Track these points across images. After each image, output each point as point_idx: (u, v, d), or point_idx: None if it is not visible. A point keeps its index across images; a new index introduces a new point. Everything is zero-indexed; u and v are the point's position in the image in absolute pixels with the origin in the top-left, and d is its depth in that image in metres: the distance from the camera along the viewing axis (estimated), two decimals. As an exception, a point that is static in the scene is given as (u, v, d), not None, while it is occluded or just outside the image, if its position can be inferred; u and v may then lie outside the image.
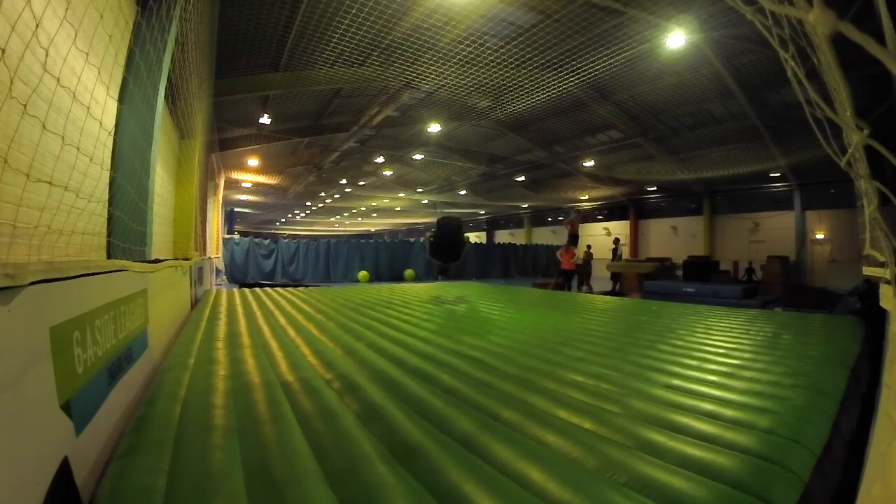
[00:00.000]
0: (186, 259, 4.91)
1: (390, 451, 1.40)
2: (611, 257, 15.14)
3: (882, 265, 1.88)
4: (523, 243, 22.58)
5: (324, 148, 13.60)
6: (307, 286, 9.78)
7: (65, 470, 1.09)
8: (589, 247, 13.62)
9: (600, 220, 22.52)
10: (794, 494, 1.14)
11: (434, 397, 1.91)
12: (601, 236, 21.12)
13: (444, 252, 6.69)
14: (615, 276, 13.40)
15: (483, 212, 28.44)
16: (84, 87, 2.40)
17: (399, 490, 1.17)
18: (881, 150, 0.79)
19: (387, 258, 16.41)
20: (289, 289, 8.06)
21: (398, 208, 26.71)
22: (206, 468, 1.25)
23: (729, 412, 1.69)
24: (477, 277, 16.12)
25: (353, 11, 6.33)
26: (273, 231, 36.44)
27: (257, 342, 3.08)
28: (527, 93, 9.46)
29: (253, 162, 14.16)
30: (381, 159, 15.13)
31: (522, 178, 17.55)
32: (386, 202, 24.19)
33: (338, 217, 32.15)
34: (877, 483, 0.91)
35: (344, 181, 18.40)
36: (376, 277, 15.67)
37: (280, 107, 10.21)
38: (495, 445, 1.42)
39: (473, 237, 30.57)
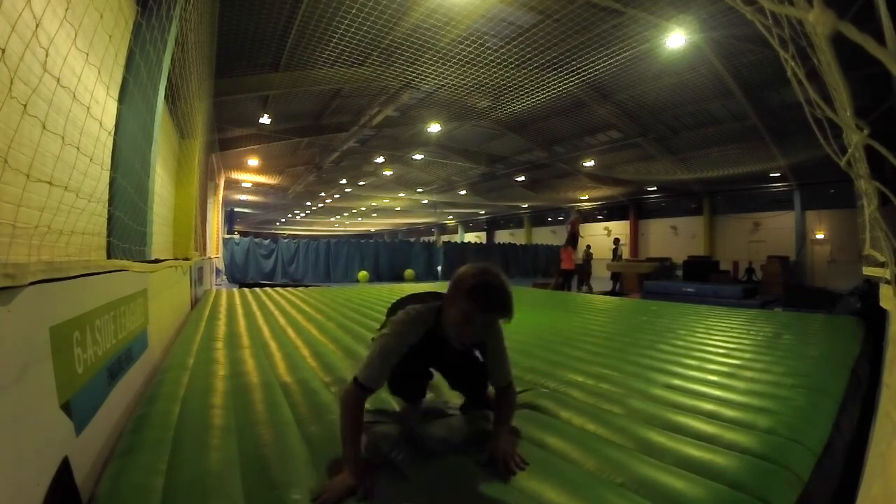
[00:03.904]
0: (186, 259, 4.91)
1: (388, 454, 1.39)
2: (611, 257, 15.13)
3: (882, 265, 1.88)
4: (523, 243, 22.56)
5: (324, 148, 13.60)
6: (307, 286, 9.78)
7: (65, 470, 1.09)
8: (589, 247, 13.61)
9: (600, 220, 22.52)
10: (793, 495, 1.14)
11: (433, 399, 1.91)
12: (601, 236, 21.11)
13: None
14: (615, 276, 13.39)
15: (483, 212, 28.44)
16: (84, 87, 2.40)
17: (396, 493, 1.16)
18: (881, 150, 0.79)
19: (387, 258, 16.42)
20: (289, 289, 8.06)
21: (398, 208, 26.70)
22: (204, 468, 1.25)
23: (729, 412, 1.69)
24: (477, 277, 16.11)
25: (353, 11, 6.33)
26: (273, 231, 36.44)
27: (257, 343, 3.08)
28: (527, 93, 9.46)
29: (253, 162, 14.16)
30: (381, 159, 15.13)
31: (522, 178, 17.55)
32: (386, 202, 24.19)
33: (338, 217, 32.15)
34: (876, 483, 0.91)
35: (344, 181, 18.40)
36: (376, 277, 15.68)
37: (280, 107, 10.21)
38: (495, 446, 1.42)
39: (473, 237, 30.56)
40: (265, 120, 10.26)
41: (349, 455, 1.22)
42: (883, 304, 1.93)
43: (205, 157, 8.43)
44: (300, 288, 8.48)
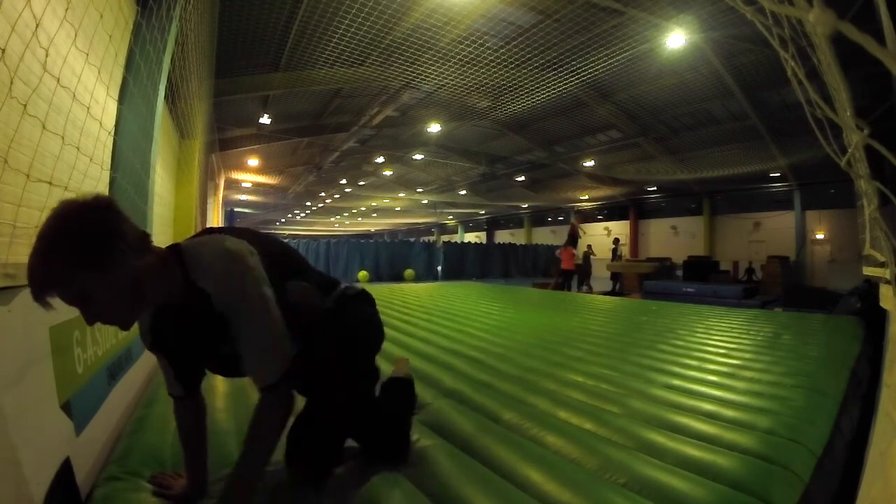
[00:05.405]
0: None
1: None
2: (610, 257, 15.12)
3: (882, 265, 1.88)
4: (523, 243, 22.54)
5: (324, 148, 13.60)
6: (307, 286, 9.75)
7: (65, 470, 1.09)
8: (589, 247, 13.61)
9: (600, 220, 22.52)
10: (795, 495, 1.14)
11: (434, 399, 1.91)
12: (601, 236, 21.11)
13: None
14: (615, 276, 13.38)
15: (483, 212, 28.43)
16: (84, 87, 2.40)
17: (396, 494, 1.16)
18: (881, 150, 0.79)
19: (387, 258, 16.40)
20: (289, 289, 8.03)
21: (398, 208, 26.70)
22: (206, 468, 1.25)
23: (729, 412, 1.69)
24: (477, 277, 16.13)
25: (353, 11, 6.33)
26: (273, 231, 36.41)
27: (257, 342, 3.07)
28: (527, 93, 9.46)
29: (253, 162, 14.16)
30: (381, 159, 15.14)
31: (522, 178, 17.56)
32: (386, 202, 24.18)
33: (338, 217, 32.14)
34: (876, 483, 0.91)
35: (344, 181, 18.41)
36: (376, 277, 15.66)
37: (280, 107, 10.22)
38: (495, 447, 1.42)
39: (473, 237, 30.53)
40: (265, 120, 10.26)
41: (186, 465, 1.16)
42: (883, 304, 1.94)
43: (205, 157, 8.43)
44: (300, 288, 8.44)
